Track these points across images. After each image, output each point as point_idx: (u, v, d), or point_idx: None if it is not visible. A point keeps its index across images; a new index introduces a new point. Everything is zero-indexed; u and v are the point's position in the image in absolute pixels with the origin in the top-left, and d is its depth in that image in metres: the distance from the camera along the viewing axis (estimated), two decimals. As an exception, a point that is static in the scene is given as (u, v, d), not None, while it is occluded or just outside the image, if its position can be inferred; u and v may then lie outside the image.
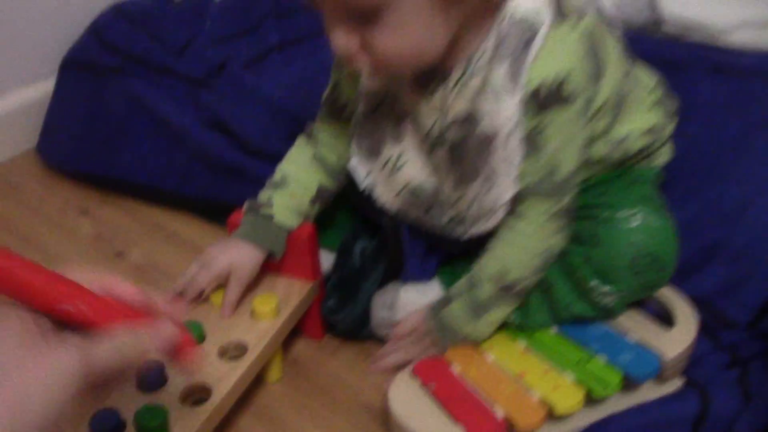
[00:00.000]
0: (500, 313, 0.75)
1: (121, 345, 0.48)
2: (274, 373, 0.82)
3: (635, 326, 0.78)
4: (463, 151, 0.71)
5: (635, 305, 0.80)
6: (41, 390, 0.42)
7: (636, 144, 0.78)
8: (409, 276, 0.81)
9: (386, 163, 0.78)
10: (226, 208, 1.07)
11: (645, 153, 0.80)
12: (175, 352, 0.53)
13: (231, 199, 1.05)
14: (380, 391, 0.81)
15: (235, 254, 0.79)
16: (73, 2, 1.33)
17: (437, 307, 0.77)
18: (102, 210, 1.15)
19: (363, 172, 0.81)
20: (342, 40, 0.62)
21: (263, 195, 0.83)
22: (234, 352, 0.74)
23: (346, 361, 0.86)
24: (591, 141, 0.73)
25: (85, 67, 1.24)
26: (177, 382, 0.69)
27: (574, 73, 0.65)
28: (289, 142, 1.02)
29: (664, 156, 0.84)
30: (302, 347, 0.88)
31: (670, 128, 0.83)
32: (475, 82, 0.67)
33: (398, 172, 0.77)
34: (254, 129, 1.08)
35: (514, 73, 0.65)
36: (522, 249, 0.72)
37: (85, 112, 1.22)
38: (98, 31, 1.27)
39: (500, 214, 0.72)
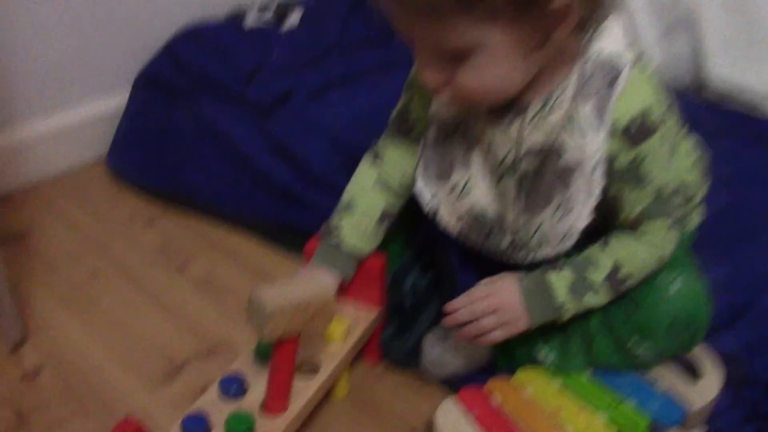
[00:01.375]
0: (596, 300, 0.78)
1: None
2: (340, 391, 0.89)
3: (664, 376, 0.84)
4: (534, 180, 0.76)
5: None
6: None
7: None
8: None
9: (454, 187, 0.81)
10: (285, 230, 1.15)
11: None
12: None
13: (291, 222, 1.13)
14: (425, 417, 0.88)
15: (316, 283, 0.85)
16: (148, 21, 1.42)
17: (543, 268, 0.80)
18: (166, 222, 1.23)
19: (428, 194, 0.85)
20: (431, 75, 0.69)
21: (333, 220, 0.88)
22: (307, 369, 0.81)
23: (395, 387, 0.92)
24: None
25: (158, 86, 1.33)
26: (256, 392, 0.77)
27: (654, 104, 0.70)
28: (349, 172, 1.10)
29: (695, 220, 0.90)
30: (359, 369, 0.94)
31: (703, 190, 0.90)
32: (556, 117, 0.71)
33: (465, 197, 0.81)
34: (316, 159, 1.15)
35: (600, 111, 0.70)
36: (642, 255, 0.77)
37: (155, 128, 1.31)
38: (173, 52, 1.35)
39: (570, 242, 0.77)
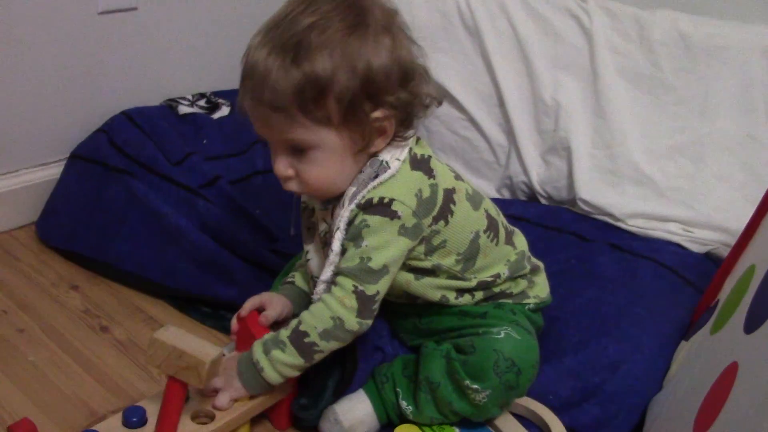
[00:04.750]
0: (285, 356, 0.94)
1: None
2: None
3: (521, 439, 1.00)
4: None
5: (524, 424, 1.02)
6: None
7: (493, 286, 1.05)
8: (357, 381, 1.02)
9: (305, 255, 1.05)
10: (201, 302, 1.27)
11: (507, 295, 1.07)
12: None
13: (211, 294, 1.25)
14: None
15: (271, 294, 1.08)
16: (87, 103, 1.55)
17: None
18: (90, 288, 1.33)
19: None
20: (281, 167, 0.93)
21: (288, 276, 1.12)
22: (203, 418, 0.94)
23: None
24: (449, 273, 1.01)
25: (93, 161, 1.45)
26: (152, 425, 0.90)
27: (401, 200, 0.92)
28: (267, 252, 1.25)
29: (534, 299, 1.09)
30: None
31: (522, 283, 1.09)
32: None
33: (308, 264, 1.04)
34: (240, 238, 1.29)
35: (356, 194, 0.93)
36: (318, 310, 0.94)
37: (86, 200, 1.42)
38: (109, 133, 1.48)
39: (323, 289, 0.97)
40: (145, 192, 1.36)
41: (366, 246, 0.92)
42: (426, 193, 0.95)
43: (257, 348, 0.95)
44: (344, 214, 0.94)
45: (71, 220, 1.42)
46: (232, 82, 1.75)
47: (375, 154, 0.95)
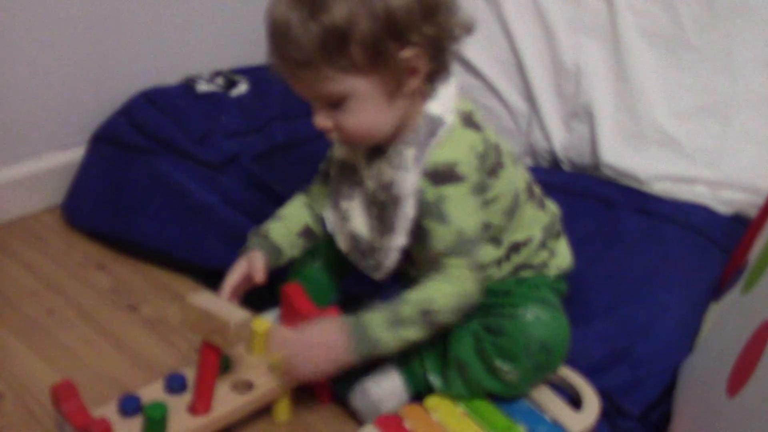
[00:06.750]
0: (412, 333, 0.93)
1: None
2: (281, 415, 1.01)
3: (551, 406, 0.99)
4: (384, 209, 0.96)
5: (555, 390, 1.02)
6: None
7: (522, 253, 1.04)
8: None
9: (341, 213, 1.03)
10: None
11: (529, 266, 1.06)
12: None
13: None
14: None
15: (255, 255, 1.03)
16: (106, 84, 1.55)
17: (358, 314, 0.95)
18: (117, 267, 1.34)
19: (329, 219, 1.06)
20: (321, 120, 0.92)
21: (263, 225, 1.08)
22: (243, 388, 0.95)
23: (329, 415, 1.04)
24: (494, 231, 1.00)
25: (115, 143, 1.45)
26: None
27: (464, 160, 0.92)
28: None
29: (555, 269, 1.08)
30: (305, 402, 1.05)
31: (543, 254, 1.07)
32: (397, 159, 0.93)
33: (347, 222, 1.02)
34: (264, 213, 1.28)
35: (418, 156, 0.92)
36: (446, 287, 0.93)
37: (110, 181, 1.42)
38: (129, 114, 1.48)
39: (396, 256, 0.97)
40: (168, 170, 1.36)
41: (453, 220, 0.92)
42: (480, 148, 0.94)
43: (376, 325, 0.93)
44: (409, 177, 0.92)
45: (96, 201, 1.43)
46: (249, 59, 1.75)
47: (415, 98, 0.93)
